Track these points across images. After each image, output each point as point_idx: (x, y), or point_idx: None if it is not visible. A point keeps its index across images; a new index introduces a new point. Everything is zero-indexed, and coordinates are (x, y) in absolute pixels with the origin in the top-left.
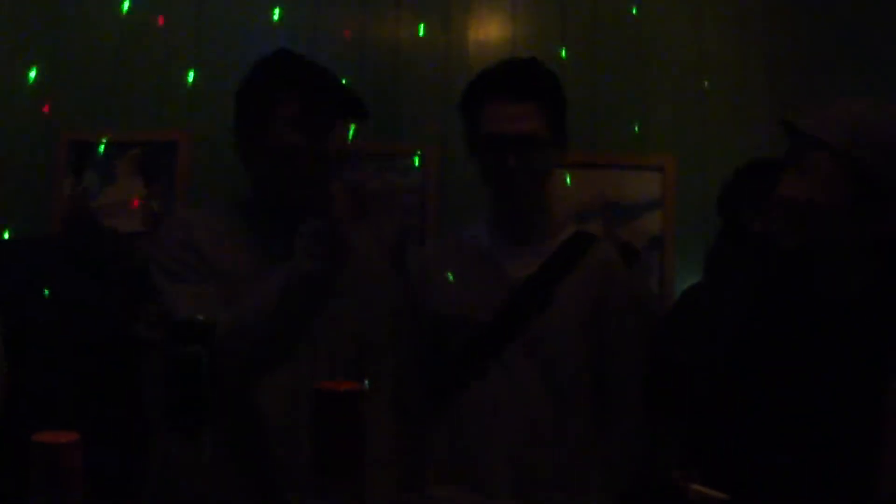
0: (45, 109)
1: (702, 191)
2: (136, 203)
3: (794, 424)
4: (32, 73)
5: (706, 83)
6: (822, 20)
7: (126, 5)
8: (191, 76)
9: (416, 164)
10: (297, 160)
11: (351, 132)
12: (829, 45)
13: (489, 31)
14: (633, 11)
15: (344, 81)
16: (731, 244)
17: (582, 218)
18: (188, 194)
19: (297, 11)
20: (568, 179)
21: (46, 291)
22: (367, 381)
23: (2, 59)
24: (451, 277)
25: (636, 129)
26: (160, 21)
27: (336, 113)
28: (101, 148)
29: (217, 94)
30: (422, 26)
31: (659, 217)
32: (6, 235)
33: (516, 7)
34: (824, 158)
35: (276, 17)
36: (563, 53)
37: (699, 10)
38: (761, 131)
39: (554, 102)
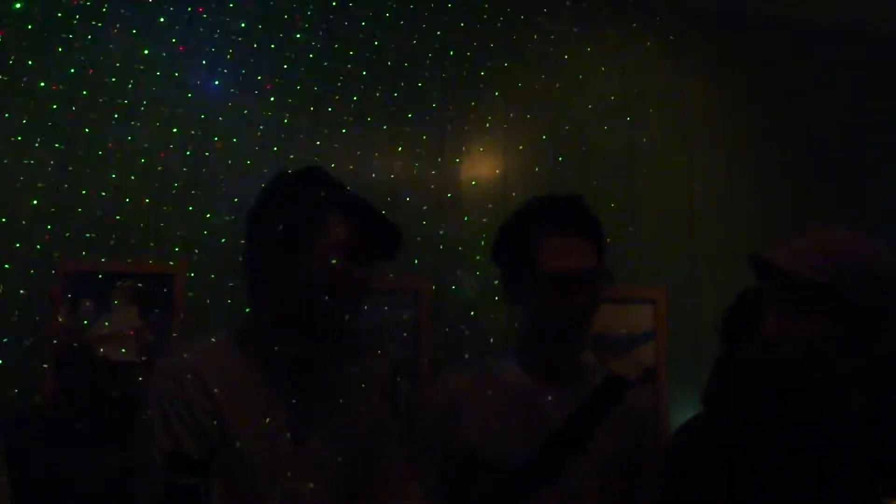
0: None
1: (693, 322)
2: (131, 333)
3: None
4: (34, 201)
5: (697, 213)
6: (809, 149)
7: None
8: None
9: (415, 300)
10: (335, 288)
11: None
12: (817, 173)
13: (482, 169)
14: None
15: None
16: (730, 372)
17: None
18: (184, 326)
19: (293, 145)
20: None
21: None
22: None
23: (3, 186)
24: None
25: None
26: (160, 154)
27: (380, 247)
28: (98, 277)
29: (216, 226)
30: (417, 164)
31: (651, 348)
32: None
33: (508, 145)
34: (810, 295)
35: (274, 149)
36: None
37: (688, 145)
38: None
39: (601, 236)
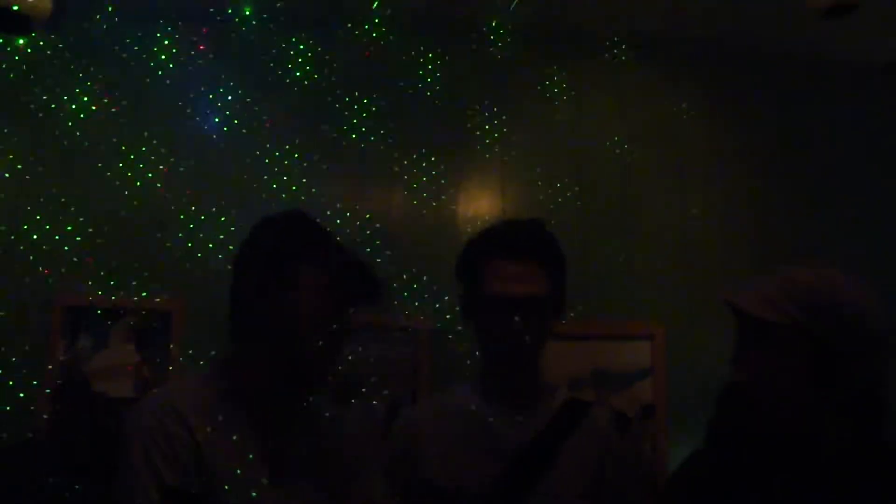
0: (47, 273)
1: (692, 358)
2: (129, 369)
3: None
4: (34, 236)
5: (695, 251)
6: (806, 183)
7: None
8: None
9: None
10: (319, 331)
11: None
12: (816, 207)
13: (479, 205)
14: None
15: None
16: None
17: (574, 388)
18: (181, 363)
19: (292, 182)
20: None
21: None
22: None
23: (3, 220)
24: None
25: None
26: (160, 190)
27: (361, 294)
28: (96, 313)
29: (213, 264)
30: (415, 201)
31: (650, 385)
32: None
33: (505, 182)
34: (776, 335)
35: (272, 186)
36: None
37: (683, 181)
38: None
39: (556, 263)
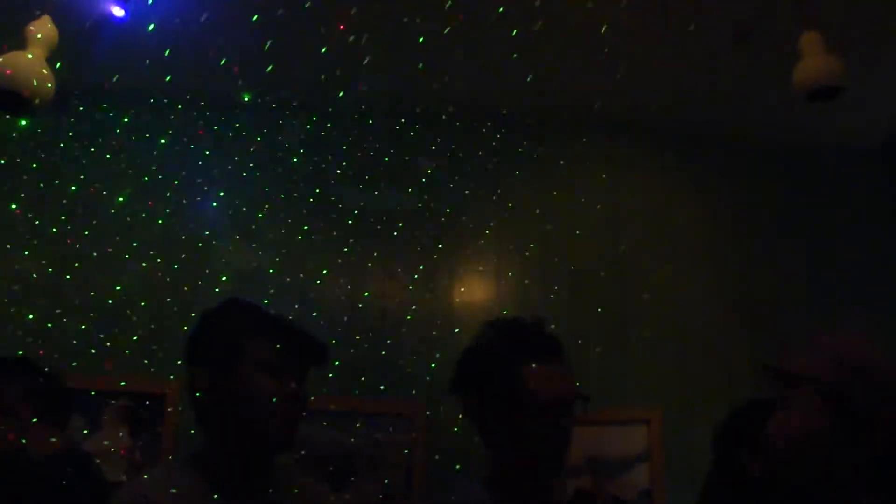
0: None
1: (689, 442)
2: (122, 452)
3: None
4: (31, 315)
5: (688, 334)
6: (798, 265)
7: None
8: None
9: (406, 423)
10: (271, 406)
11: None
12: (809, 289)
13: (473, 292)
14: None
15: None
16: (724, 483)
17: (571, 474)
18: (174, 446)
19: (290, 268)
20: None
21: None
22: None
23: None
24: None
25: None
26: (157, 273)
27: (306, 359)
28: (90, 395)
29: None
30: (410, 287)
31: (647, 469)
32: None
33: (500, 269)
34: (806, 392)
35: (270, 271)
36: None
37: (676, 266)
38: (743, 379)
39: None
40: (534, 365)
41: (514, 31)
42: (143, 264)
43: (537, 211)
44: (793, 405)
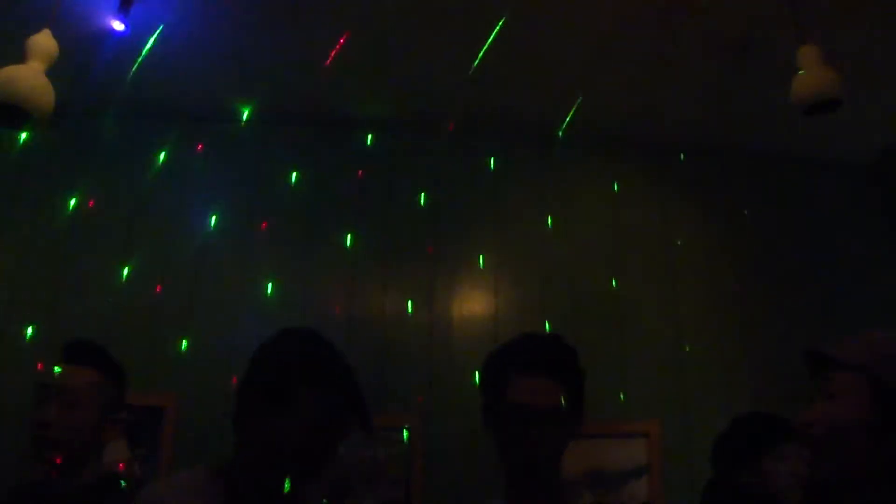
0: (39, 367)
1: (687, 454)
2: (120, 466)
3: None
4: (30, 330)
5: (686, 348)
6: (796, 282)
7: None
8: (184, 344)
9: (405, 438)
10: (301, 456)
11: None
12: (806, 306)
13: (472, 308)
14: (614, 284)
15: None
16: (723, 497)
17: (571, 488)
18: (173, 459)
19: (289, 286)
20: None
21: None
22: None
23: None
24: None
25: (621, 397)
26: (157, 289)
27: (354, 417)
28: None
29: (207, 361)
30: (409, 303)
31: (647, 482)
32: None
33: (498, 284)
34: (846, 378)
35: (268, 291)
36: (547, 327)
37: (673, 281)
38: (741, 393)
39: (574, 378)
40: (516, 375)
41: (513, 53)
42: (141, 278)
43: (537, 227)
44: (836, 393)
